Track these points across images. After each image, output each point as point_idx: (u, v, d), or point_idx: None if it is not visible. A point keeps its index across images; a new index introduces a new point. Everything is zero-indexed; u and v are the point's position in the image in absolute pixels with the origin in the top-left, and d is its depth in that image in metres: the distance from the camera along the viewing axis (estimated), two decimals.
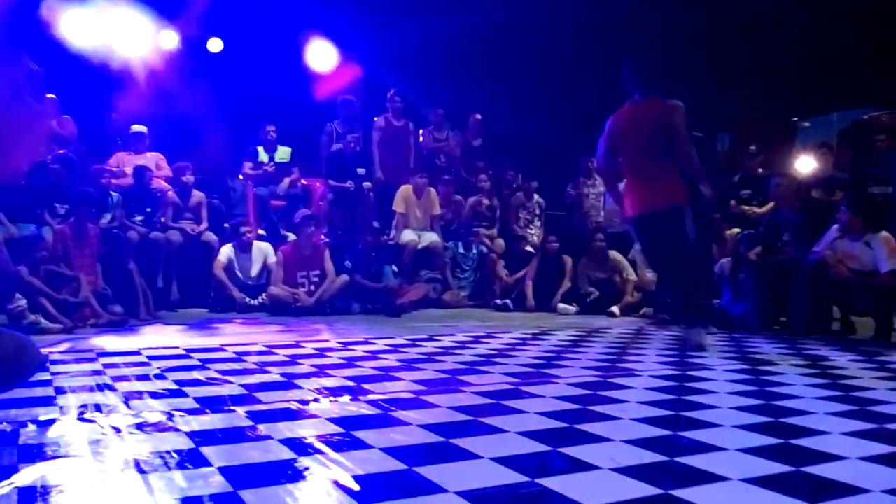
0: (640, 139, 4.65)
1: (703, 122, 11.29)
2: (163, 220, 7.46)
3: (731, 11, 9.53)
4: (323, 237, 8.10)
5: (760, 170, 8.43)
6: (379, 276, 7.51)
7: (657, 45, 9.87)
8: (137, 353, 4.36)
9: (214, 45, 10.45)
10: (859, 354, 4.63)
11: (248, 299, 7.13)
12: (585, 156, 8.66)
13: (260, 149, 9.02)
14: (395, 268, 7.76)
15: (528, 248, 8.63)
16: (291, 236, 8.15)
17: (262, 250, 7.56)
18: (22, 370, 2.39)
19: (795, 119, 12.34)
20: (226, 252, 7.37)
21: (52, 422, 2.58)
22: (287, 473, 2.01)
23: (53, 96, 7.84)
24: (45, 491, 1.85)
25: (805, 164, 10.06)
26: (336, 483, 1.93)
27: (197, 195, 7.87)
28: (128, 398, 3.00)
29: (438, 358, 4.26)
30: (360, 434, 2.42)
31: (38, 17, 8.64)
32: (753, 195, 7.98)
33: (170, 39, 9.97)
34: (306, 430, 2.47)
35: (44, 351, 2.47)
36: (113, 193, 7.27)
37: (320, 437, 2.37)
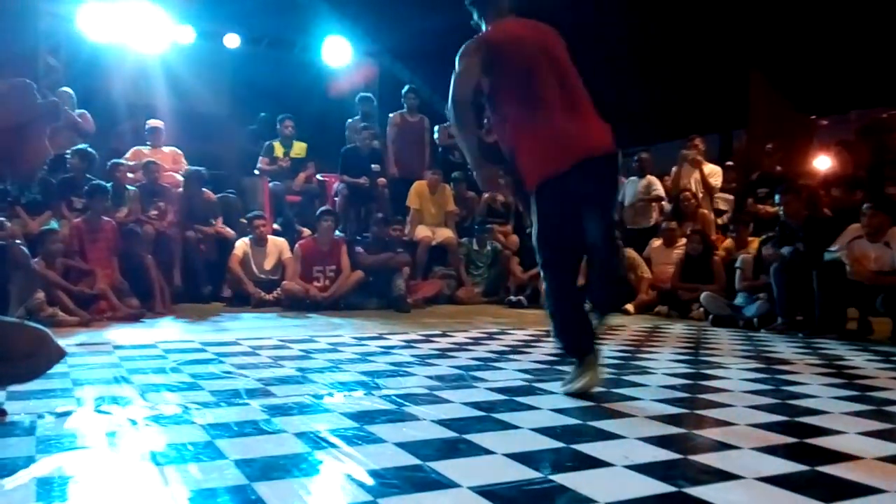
0: (557, 60, 3.20)
1: (720, 119, 11.27)
2: (169, 218, 7.40)
3: (748, 7, 9.47)
4: (337, 233, 8.11)
5: (778, 167, 8.38)
6: (389, 276, 7.44)
7: (673, 42, 9.84)
8: (153, 346, 4.39)
9: (231, 40, 10.50)
10: (875, 354, 4.60)
11: (262, 294, 7.15)
12: None
13: (276, 144, 9.06)
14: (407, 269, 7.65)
15: None
16: (306, 231, 8.18)
17: (277, 245, 7.58)
18: (42, 363, 2.42)
19: (813, 117, 12.24)
20: (241, 246, 7.39)
21: (69, 413, 2.60)
22: (301, 467, 2.02)
23: (69, 90, 7.89)
24: (62, 482, 1.87)
25: (823, 163, 9.99)
26: (350, 476, 1.94)
27: (209, 196, 7.82)
28: (144, 391, 3.03)
29: (452, 354, 4.26)
30: (373, 428, 2.43)
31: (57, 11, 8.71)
32: (770, 193, 7.93)
33: (186, 35, 10.03)
34: (320, 424, 2.48)
35: (61, 343, 2.48)
36: (129, 187, 7.31)
37: (334, 431, 2.38)
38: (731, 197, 8.88)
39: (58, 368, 2.76)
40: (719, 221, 8.47)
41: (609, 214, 3.22)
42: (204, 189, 7.75)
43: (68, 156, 7.02)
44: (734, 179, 9.20)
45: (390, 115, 9.35)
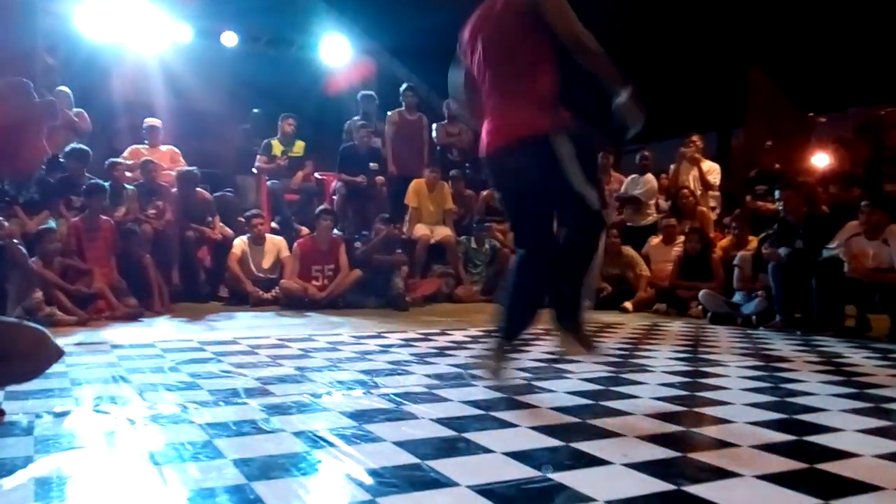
0: (492, 43, 3.11)
1: (719, 116, 11.27)
2: (167, 217, 7.33)
3: (747, 5, 9.47)
4: (336, 231, 8.10)
5: (777, 165, 8.39)
6: (388, 274, 7.43)
7: (672, 39, 9.83)
8: (152, 345, 4.38)
9: (229, 39, 10.48)
10: (873, 352, 4.60)
11: (261, 293, 7.15)
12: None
13: (274, 142, 9.04)
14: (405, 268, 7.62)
15: None
16: (305, 230, 8.16)
17: (276, 244, 7.57)
18: (41, 363, 2.41)
19: (812, 114, 12.25)
20: (240, 245, 7.39)
21: (67, 413, 2.60)
22: (300, 466, 2.02)
23: (66, 89, 7.88)
24: (60, 482, 1.86)
25: (821, 160, 10.00)
26: (348, 476, 1.94)
27: (203, 195, 7.79)
28: (142, 390, 3.02)
29: (451, 352, 4.26)
30: (372, 427, 2.43)
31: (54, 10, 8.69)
32: (769, 191, 7.93)
33: (184, 33, 10.01)
34: (319, 423, 2.48)
35: (59, 343, 2.48)
36: (127, 186, 7.30)
37: (333, 430, 2.38)
38: (718, 193, 8.88)
39: (56, 368, 2.75)
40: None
41: (555, 190, 3.01)
42: (198, 189, 7.71)
43: (62, 160, 6.99)
44: (721, 176, 9.21)
45: (388, 113, 9.35)
